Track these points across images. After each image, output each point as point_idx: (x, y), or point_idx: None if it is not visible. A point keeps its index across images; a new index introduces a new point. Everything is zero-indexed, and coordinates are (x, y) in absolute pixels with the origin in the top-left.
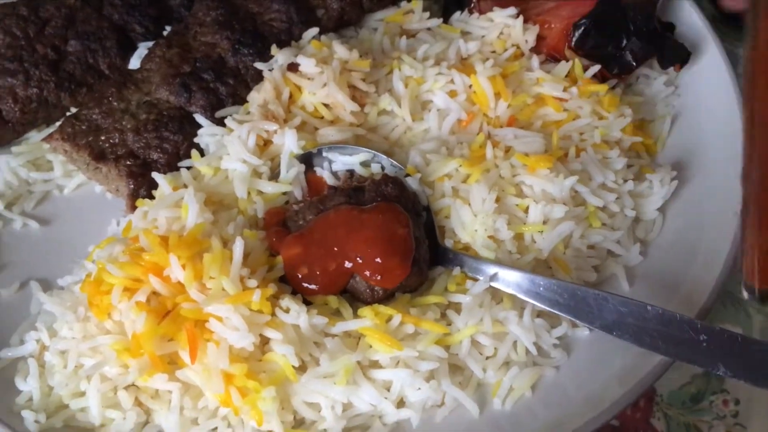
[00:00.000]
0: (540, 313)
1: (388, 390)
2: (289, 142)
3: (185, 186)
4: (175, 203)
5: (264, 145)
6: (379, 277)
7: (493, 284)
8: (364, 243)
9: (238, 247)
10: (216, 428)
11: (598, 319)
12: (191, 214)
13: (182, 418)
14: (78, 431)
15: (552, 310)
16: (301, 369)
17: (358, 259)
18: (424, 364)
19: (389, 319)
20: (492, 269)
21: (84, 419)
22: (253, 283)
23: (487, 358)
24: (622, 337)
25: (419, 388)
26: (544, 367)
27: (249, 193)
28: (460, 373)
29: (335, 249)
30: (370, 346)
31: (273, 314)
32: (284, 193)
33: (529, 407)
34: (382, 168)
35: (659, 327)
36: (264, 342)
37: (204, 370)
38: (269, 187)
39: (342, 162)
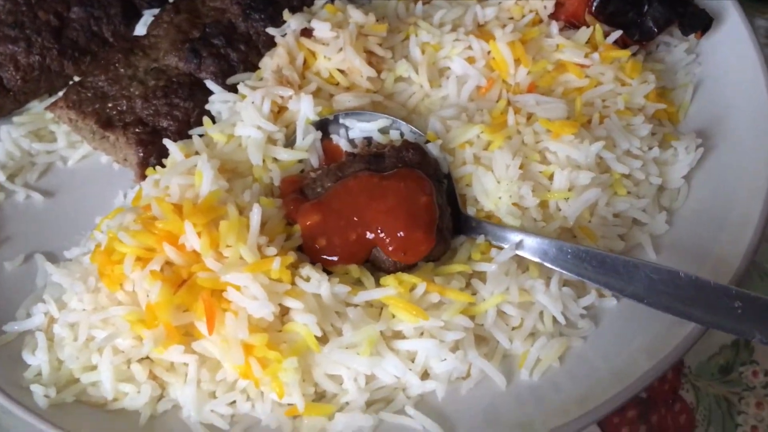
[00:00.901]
0: (567, 282)
1: (413, 361)
2: (305, 108)
3: (197, 153)
4: (188, 171)
5: (278, 111)
6: (403, 254)
7: (519, 252)
8: (386, 213)
9: (255, 215)
10: (234, 401)
11: (628, 287)
12: (206, 181)
13: (199, 391)
14: (90, 405)
15: (580, 278)
16: (322, 340)
17: (380, 231)
18: (449, 334)
19: (413, 288)
20: (517, 236)
21: (96, 393)
22: (272, 251)
23: (513, 328)
24: (653, 305)
25: (444, 359)
26: (571, 338)
27: (264, 161)
28: (485, 344)
29: (355, 219)
30: (393, 316)
31: (293, 283)
32: (300, 161)
33: (557, 379)
34: (401, 135)
35: (692, 294)
36: (283, 312)
37: (222, 341)
38: (285, 155)
39: (360, 129)
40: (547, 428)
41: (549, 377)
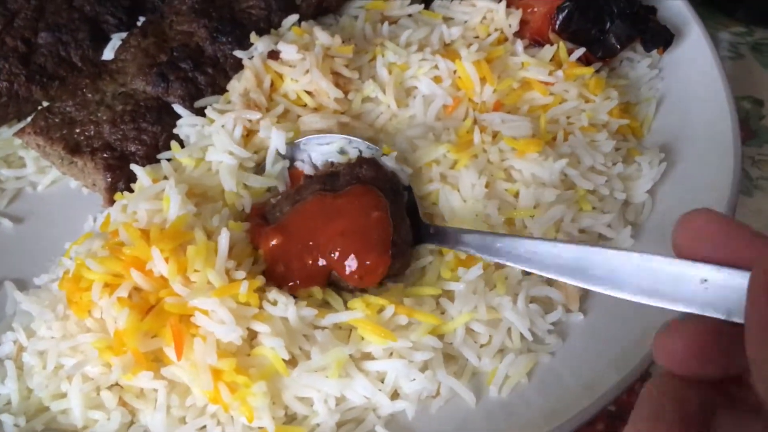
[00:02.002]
0: (534, 299)
1: (382, 382)
2: (275, 141)
3: (165, 178)
4: (156, 195)
5: (247, 135)
6: (358, 278)
7: (484, 256)
8: (338, 236)
9: (223, 239)
10: (205, 426)
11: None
12: (173, 206)
13: (169, 417)
14: None
15: (556, 277)
16: (291, 363)
17: (333, 255)
18: (418, 354)
19: (381, 309)
20: (475, 238)
21: (66, 421)
22: (240, 274)
23: (482, 346)
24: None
25: (414, 379)
26: (539, 354)
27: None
28: (454, 362)
29: (310, 243)
30: (362, 338)
31: (260, 307)
32: (269, 189)
33: (526, 394)
34: (360, 152)
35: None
36: (252, 336)
37: (191, 366)
38: (255, 182)
39: (320, 152)
40: None
41: (518, 393)
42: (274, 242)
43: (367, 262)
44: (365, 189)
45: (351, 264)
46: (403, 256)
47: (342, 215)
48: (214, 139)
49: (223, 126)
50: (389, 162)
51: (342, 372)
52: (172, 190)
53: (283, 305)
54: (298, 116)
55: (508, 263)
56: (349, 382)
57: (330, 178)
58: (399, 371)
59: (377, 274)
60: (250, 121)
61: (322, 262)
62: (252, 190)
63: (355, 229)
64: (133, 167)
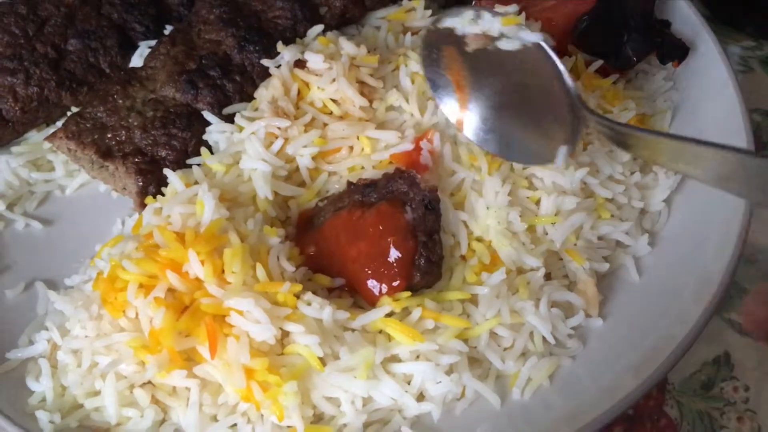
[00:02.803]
0: (555, 303)
1: (408, 383)
2: (304, 160)
3: (197, 183)
4: (189, 200)
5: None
6: (372, 299)
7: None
8: (357, 256)
9: (276, 239)
10: (236, 424)
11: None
12: (207, 210)
13: (201, 415)
14: (94, 430)
15: None
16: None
17: (352, 274)
18: (445, 357)
19: (408, 313)
20: None
21: (99, 418)
22: (290, 268)
23: (505, 349)
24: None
25: (439, 382)
26: (561, 357)
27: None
28: (478, 365)
29: (336, 259)
30: (390, 341)
31: (295, 309)
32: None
33: (547, 398)
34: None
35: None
36: (283, 336)
37: (224, 365)
38: (288, 191)
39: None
40: None
41: (540, 396)
42: (311, 249)
43: (383, 286)
44: (392, 209)
45: (368, 285)
46: (431, 274)
47: (363, 237)
48: (246, 147)
49: (254, 133)
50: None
51: (370, 373)
52: (206, 195)
53: (318, 306)
54: (324, 124)
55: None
56: (376, 384)
57: (367, 189)
58: (425, 374)
59: (393, 290)
60: (279, 128)
61: (343, 279)
62: (299, 199)
63: (373, 252)
64: (167, 172)
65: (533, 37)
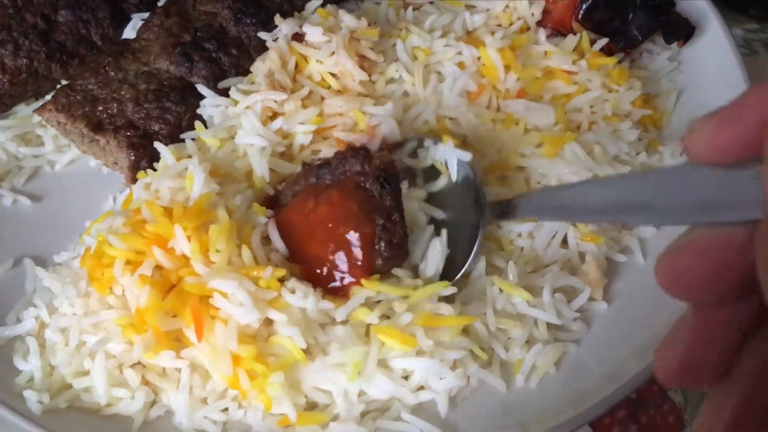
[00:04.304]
0: (557, 289)
1: (407, 379)
2: (299, 137)
3: (189, 157)
4: (179, 174)
5: (271, 117)
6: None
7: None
8: (317, 254)
9: (263, 218)
10: (227, 408)
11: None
12: (197, 184)
13: (192, 397)
14: (83, 411)
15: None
16: (308, 352)
17: (316, 271)
18: (450, 353)
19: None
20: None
21: (89, 399)
22: (275, 255)
23: (509, 338)
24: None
25: (443, 377)
26: (566, 344)
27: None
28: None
29: (297, 256)
30: (383, 344)
31: (279, 294)
32: None
33: (552, 382)
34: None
35: None
36: (270, 323)
37: (211, 350)
38: (285, 168)
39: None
40: (542, 429)
41: (545, 381)
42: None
43: (345, 278)
44: (342, 198)
45: (329, 282)
46: (394, 257)
47: (318, 232)
48: (242, 121)
49: (249, 107)
50: (449, 149)
51: (361, 371)
52: (195, 169)
53: (302, 294)
54: (322, 98)
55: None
56: (368, 381)
57: (321, 170)
58: (429, 370)
59: (355, 284)
60: (275, 101)
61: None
62: (283, 176)
63: (330, 248)
64: (158, 145)
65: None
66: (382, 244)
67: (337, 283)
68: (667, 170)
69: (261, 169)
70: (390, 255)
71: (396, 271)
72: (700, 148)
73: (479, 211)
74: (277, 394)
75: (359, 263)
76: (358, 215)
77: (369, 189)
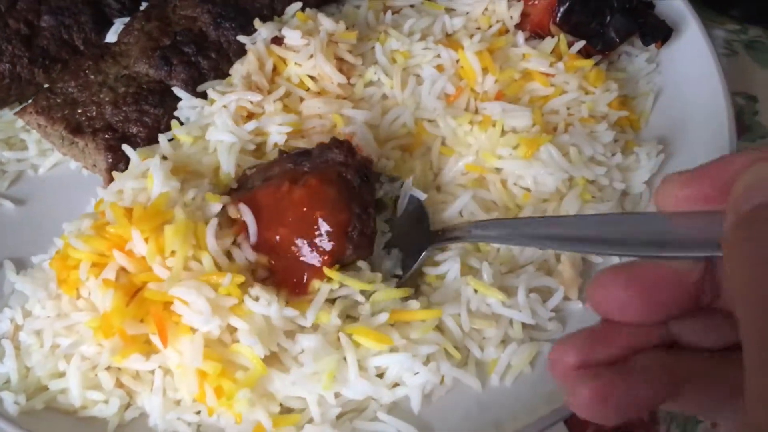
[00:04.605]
0: (532, 290)
1: (382, 377)
2: (275, 136)
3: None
4: (143, 174)
5: (247, 116)
6: (298, 280)
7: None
8: (282, 241)
9: (211, 227)
10: (200, 411)
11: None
12: (156, 183)
13: (165, 400)
14: (60, 412)
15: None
16: (274, 358)
17: (281, 247)
18: (422, 348)
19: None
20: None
21: (65, 401)
22: (240, 255)
23: (484, 338)
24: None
25: (417, 373)
26: (541, 343)
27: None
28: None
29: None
30: (359, 345)
31: (241, 301)
32: None
33: (527, 380)
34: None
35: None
36: (234, 329)
37: (178, 367)
38: (250, 163)
39: None
40: (516, 426)
41: (520, 380)
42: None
43: (314, 258)
44: (321, 183)
45: (298, 261)
46: (363, 248)
47: (289, 214)
48: (215, 119)
49: (224, 106)
50: (406, 187)
51: (336, 377)
52: (155, 168)
53: (266, 302)
54: (301, 99)
55: (530, 245)
56: (344, 385)
57: (301, 157)
58: (402, 365)
59: (319, 272)
60: (251, 102)
61: (277, 247)
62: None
63: (301, 229)
64: (125, 148)
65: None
66: (355, 233)
67: (304, 272)
68: (624, 214)
69: (228, 166)
70: (360, 245)
71: (358, 263)
72: (668, 200)
73: (425, 235)
74: (244, 410)
75: (329, 248)
76: (336, 201)
77: (350, 180)
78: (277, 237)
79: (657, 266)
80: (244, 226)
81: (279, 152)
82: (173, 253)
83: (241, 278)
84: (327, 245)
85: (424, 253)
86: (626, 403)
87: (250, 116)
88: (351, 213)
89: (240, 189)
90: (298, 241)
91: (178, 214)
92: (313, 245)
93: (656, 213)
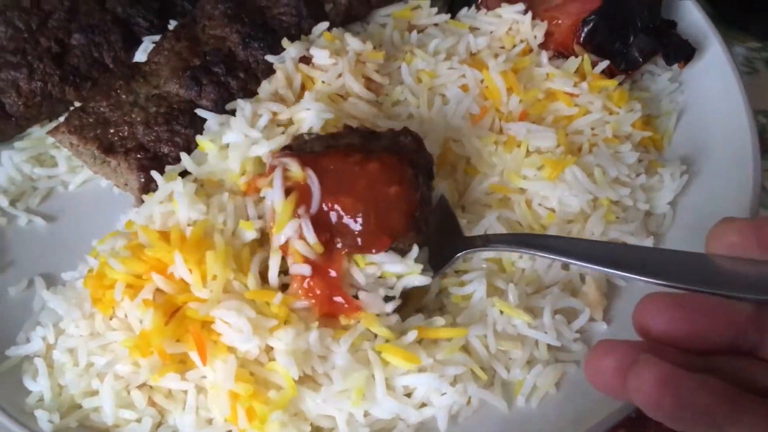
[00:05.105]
0: (558, 311)
1: (410, 396)
2: (310, 117)
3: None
4: (168, 197)
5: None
6: (359, 242)
7: (526, 251)
8: (353, 198)
9: (251, 233)
10: (231, 431)
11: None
12: (181, 209)
13: (198, 419)
14: (93, 431)
15: (594, 267)
16: (308, 379)
17: (342, 214)
18: (449, 369)
19: (403, 333)
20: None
21: (98, 419)
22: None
23: (510, 358)
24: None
25: (444, 393)
26: (566, 364)
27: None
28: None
29: (327, 194)
30: (388, 363)
31: (287, 321)
32: None
33: (553, 402)
34: None
35: None
36: (270, 348)
37: (212, 388)
38: (263, 148)
39: None
40: None
41: (545, 401)
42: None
43: (371, 235)
44: (397, 162)
45: (354, 230)
46: (420, 234)
47: (364, 181)
48: (231, 124)
49: (242, 109)
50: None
51: (364, 396)
52: (179, 193)
53: (304, 326)
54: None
55: (553, 257)
56: (373, 403)
57: (370, 136)
58: (429, 385)
59: (378, 247)
60: (274, 113)
61: (332, 216)
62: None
63: (371, 198)
64: (153, 173)
65: None
66: (421, 217)
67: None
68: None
69: (233, 164)
70: (419, 230)
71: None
72: (721, 243)
73: (459, 239)
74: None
75: (395, 225)
76: (411, 181)
77: (421, 168)
78: (338, 207)
79: (709, 298)
80: (304, 194)
81: (344, 125)
82: (214, 276)
83: (291, 299)
84: (393, 221)
85: (457, 256)
86: (690, 403)
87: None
88: (421, 197)
89: (294, 149)
90: (364, 211)
91: (218, 242)
92: (379, 219)
93: (703, 254)
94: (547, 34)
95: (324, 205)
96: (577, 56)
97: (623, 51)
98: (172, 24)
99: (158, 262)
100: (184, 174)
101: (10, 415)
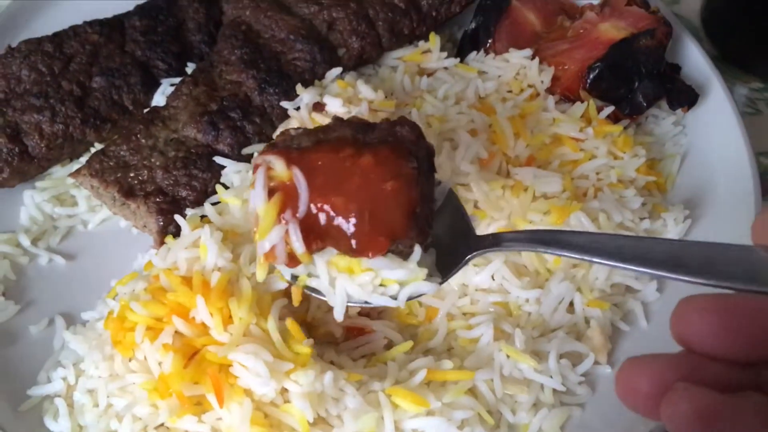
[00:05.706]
0: (563, 354)
1: None
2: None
3: (208, 220)
4: (194, 243)
5: None
6: (354, 245)
7: (542, 250)
8: (346, 198)
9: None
10: None
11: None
12: (210, 255)
13: None
14: None
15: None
16: (322, 422)
17: (334, 215)
18: (457, 413)
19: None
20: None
21: None
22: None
23: (516, 402)
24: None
25: None
26: (572, 408)
27: None
28: (490, 416)
29: (316, 193)
30: (397, 406)
31: (304, 364)
32: None
33: None
34: None
35: None
36: (285, 390)
37: (228, 430)
38: None
39: None
40: None
41: None
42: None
43: (366, 238)
44: (394, 155)
45: (348, 233)
46: (423, 234)
47: (357, 178)
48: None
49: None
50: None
51: None
52: (208, 240)
53: (320, 369)
54: None
55: (574, 256)
56: None
57: (363, 128)
58: (437, 429)
59: (375, 251)
60: None
61: (321, 217)
62: None
63: (365, 196)
64: (177, 218)
65: None
66: (422, 215)
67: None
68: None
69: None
70: (422, 229)
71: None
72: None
73: (471, 239)
74: None
75: (393, 225)
76: (410, 175)
77: (421, 160)
78: (328, 208)
79: (755, 299)
80: (290, 195)
81: (334, 118)
82: (240, 319)
83: (308, 350)
84: (390, 221)
85: (468, 257)
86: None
87: None
88: (421, 193)
89: (279, 145)
90: (355, 213)
91: (245, 288)
92: (374, 219)
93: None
94: (554, 79)
95: (313, 207)
96: (582, 101)
97: (628, 96)
98: (190, 66)
99: (179, 306)
100: (201, 217)
101: None
